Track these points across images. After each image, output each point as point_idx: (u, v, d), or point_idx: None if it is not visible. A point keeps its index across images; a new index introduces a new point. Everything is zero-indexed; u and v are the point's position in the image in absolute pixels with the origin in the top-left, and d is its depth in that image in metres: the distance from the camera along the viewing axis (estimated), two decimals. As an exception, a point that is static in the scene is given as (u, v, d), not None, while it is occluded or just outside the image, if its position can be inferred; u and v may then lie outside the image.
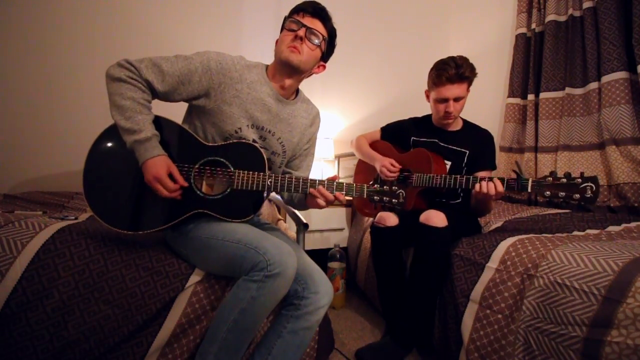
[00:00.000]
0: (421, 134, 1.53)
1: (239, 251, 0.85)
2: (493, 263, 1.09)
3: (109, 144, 0.93)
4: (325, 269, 1.67)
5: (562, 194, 1.03)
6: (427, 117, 1.58)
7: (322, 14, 1.01)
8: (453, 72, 1.31)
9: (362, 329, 1.52)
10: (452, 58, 1.35)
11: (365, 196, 1.01)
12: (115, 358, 0.86)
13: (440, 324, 1.23)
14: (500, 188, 1.14)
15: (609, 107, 1.68)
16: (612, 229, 1.31)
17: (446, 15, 2.72)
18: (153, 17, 1.96)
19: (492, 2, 2.48)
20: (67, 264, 0.84)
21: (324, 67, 1.11)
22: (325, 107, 2.40)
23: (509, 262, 1.05)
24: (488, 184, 1.15)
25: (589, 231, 1.29)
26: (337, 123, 2.46)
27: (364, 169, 1.78)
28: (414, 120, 1.63)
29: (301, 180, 0.98)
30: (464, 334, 1.08)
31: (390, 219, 1.35)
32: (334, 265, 1.77)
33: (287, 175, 0.98)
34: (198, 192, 0.95)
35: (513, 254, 1.06)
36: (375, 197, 1.01)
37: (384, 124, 1.72)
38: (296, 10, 1.01)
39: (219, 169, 0.97)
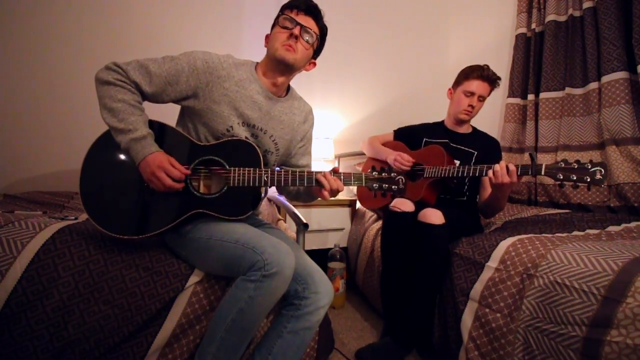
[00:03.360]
0: (433, 136, 1.61)
1: (237, 251, 0.85)
2: (493, 262, 1.09)
3: (104, 150, 0.92)
4: (325, 269, 1.67)
5: (574, 176, 1.08)
6: (438, 123, 1.67)
7: (315, 12, 1.01)
8: (487, 72, 1.48)
9: (362, 329, 1.52)
10: (485, 64, 1.51)
11: (364, 184, 1.00)
12: (115, 358, 0.86)
13: (440, 322, 1.23)
14: (513, 167, 1.18)
15: (609, 107, 1.68)
16: (612, 229, 1.31)
17: (446, 15, 2.72)
18: (154, 17, 1.96)
19: (492, 2, 2.48)
20: (67, 264, 0.84)
21: (315, 64, 1.11)
22: (325, 107, 2.40)
23: (508, 262, 1.05)
24: (501, 166, 1.19)
25: (589, 231, 1.29)
26: (337, 123, 2.46)
27: (370, 166, 1.78)
28: (425, 125, 1.71)
29: (297, 172, 0.97)
30: (464, 332, 1.08)
31: (407, 204, 1.36)
32: (334, 265, 1.77)
33: (283, 169, 0.98)
34: (195, 193, 0.94)
35: (513, 253, 1.06)
36: (374, 185, 1.00)
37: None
38: (289, 6, 1.00)
39: (214, 167, 0.96)
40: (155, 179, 0.86)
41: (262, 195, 1.06)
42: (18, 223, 0.88)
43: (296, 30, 0.97)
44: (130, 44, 1.92)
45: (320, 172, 0.97)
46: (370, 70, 2.53)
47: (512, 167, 1.19)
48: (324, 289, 0.93)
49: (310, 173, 0.98)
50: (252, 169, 0.95)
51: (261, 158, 0.97)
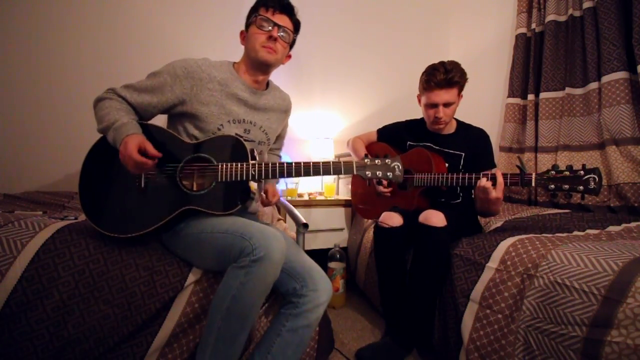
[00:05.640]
0: (416, 139, 1.53)
1: (227, 240, 0.86)
2: (493, 263, 1.09)
3: (103, 152, 0.95)
4: (325, 269, 1.67)
5: (566, 186, 1.04)
6: (423, 120, 1.57)
7: (289, 9, 1.05)
8: (442, 77, 1.31)
9: (362, 329, 1.52)
10: (442, 63, 1.35)
11: (355, 173, 0.95)
12: (115, 358, 0.86)
13: (440, 324, 1.23)
14: (500, 179, 1.14)
15: (609, 107, 1.68)
16: (612, 229, 1.31)
17: (446, 15, 2.72)
18: (154, 18, 1.96)
19: (492, 2, 2.48)
20: (67, 263, 0.84)
21: (290, 56, 1.15)
22: (325, 107, 2.40)
23: (509, 262, 1.05)
24: (487, 178, 1.15)
25: (589, 231, 1.28)
26: (337, 123, 2.46)
27: None
28: (409, 123, 1.62)
29: (285, 165, 0.97)
30: (464, 333, 1.08)
31: (394, 219, 1.34)
32: (334, 265, 1.77)
33: (270, 163, 0.98)
34: (185, 190, 0.95)
35: (513, 254, 1.06)
36: (367, 173, 0.94)
37: (383, 125, 1.72)
38: (265, 5, 1.03)
39: (203, 164, 0.97)
40: (125, 157, 0.87)
41: (256, 193, 1.07)
42: (18, 223, 0.88)
43: (274, 32, 1.01)
44: (132, 45, 1.92)
45: (301, 166, 0.97)
46: (371, 70, 2.53)
47: (500, 179, 1.13)
48: (323, 287, 0.93)
49: (298, 164, 0.98)
50: (239, 163, 0.95)
51: (249, 152, 0.98)
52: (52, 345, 0.80)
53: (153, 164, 0.90)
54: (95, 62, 1.86)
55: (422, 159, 1.42)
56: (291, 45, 1.11)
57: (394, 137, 1.62)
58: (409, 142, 1.55)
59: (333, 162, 0.96)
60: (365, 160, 0.96)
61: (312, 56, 2.34)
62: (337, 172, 0.97)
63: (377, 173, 0.95)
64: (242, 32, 1.10)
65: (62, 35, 1.80)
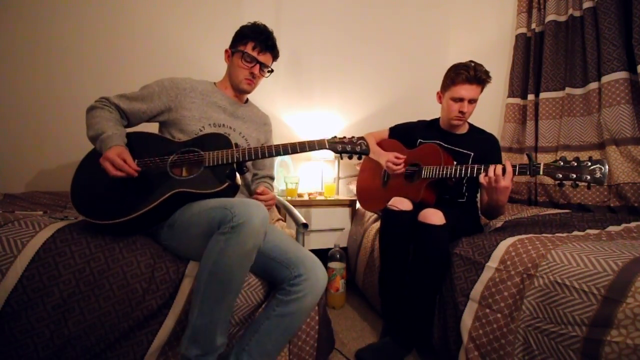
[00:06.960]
0: (427, 137, 1.56)
1: (212, 214, 0.89)
2: (493, 262, 1.09)
3: (93, 158, 1.01)
4: (325, 269, 1.67)
5: (573, 175, 1.07)
6: (435, 121, 1.61)
7: (272, 50, 1.23)
8: (473, 72, 1.37)
9: (362, 329, 1.52)
10: (471, 61, 1.41)
11: (327, 148, 1.08)
12: (116, 356, 0.87)
13: (440, 323, 1.23)
14: (510, 168, 1.17)
15: (609, 107, 1.68)
16: (612, 229, 1.31)
17: (446, 15, 2.72)
18: (153, 17, 1.97)
19: (492, 2, 2.48)
20: (68, 262, 0.85)
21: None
22: (325, 107, 2.40)
23: (509, 262, 1.05)
24: (496, 167, 1.18)
25: (589, 231, 1.28)
26: (337, 123, 2.46)
27: (368, 167, 1.78)
28: (422, 123, 1.66)
29: (266, 147, 1.05)
30: (464, 333, 1.08)
31: (405, 203, 1.34)
32: (334, 265, 1.77)
33: (253, 148, 1.05)
34: (175, 177, 1.00)
35: (513, 253, 1.06)
36: (338, 148, 1.07)
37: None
38: (253, 40, 1.18)
39: (191, 154, 1.05)
40: (104, 168, 0.94)
41: (240, 186, 1.11)
42: (18, 222, 0.88)
43: (256, 70, 1.20)
44: (131, 44, 1.92)
45: (280, 149, 1.06)
46: (371, 70, 2.53)
47: (509, 167, 1.16)
48: (315, 276, 0.94)
49: (277, 147, 1.06)
50: (223, 150, 1.04)
51: (232, 141, 1.07)
52: (53, 343, 0.81)
53: (131, 170, 0.95)
54: (97, 63, 1.86)
55: (432, 153, 1.44)
56: (269, 71, 1.27)
57: (405, 135, 1.65)
58: (419, 140, 1.58)
59: (308, 141, 1.07)
60: (334, 138, 1.10)
61: (312, 56, 2.34)
62: (312, 148, 1.07)
63: (347, 147, 1.09)
64: (227, 51, 1.24)
65: (64, 35, 1.80)
